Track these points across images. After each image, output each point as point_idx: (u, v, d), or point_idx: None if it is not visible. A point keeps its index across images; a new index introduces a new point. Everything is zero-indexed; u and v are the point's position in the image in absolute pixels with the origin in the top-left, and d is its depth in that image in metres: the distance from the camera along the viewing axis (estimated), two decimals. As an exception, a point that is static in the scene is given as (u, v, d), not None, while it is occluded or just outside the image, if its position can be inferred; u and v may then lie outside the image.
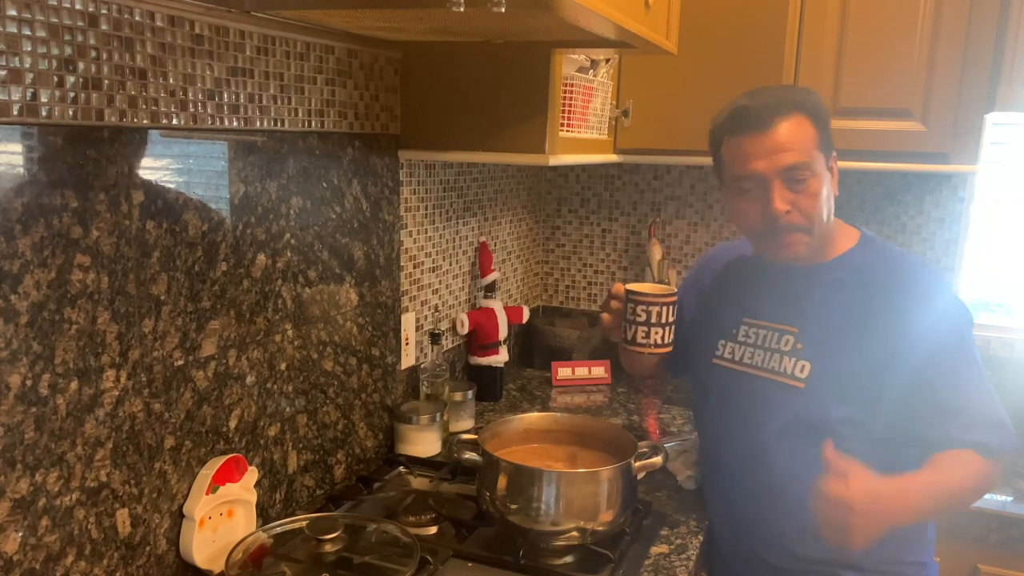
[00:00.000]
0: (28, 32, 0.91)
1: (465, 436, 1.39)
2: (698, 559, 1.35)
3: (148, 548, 1.14)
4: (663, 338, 1.35)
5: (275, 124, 1.31)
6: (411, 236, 1.75)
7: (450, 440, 1.68)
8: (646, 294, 1.34)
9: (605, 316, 1.43)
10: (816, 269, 1.35)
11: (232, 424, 1.27)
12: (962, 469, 1.24)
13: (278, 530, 1.21)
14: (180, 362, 1.16)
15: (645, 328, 1.34)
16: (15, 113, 0.90)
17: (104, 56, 1.00)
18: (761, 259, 1.42)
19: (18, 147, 0.91)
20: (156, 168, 1.10)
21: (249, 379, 1.30)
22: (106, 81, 1.00)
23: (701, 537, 1.40)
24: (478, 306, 2.05)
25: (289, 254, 1.37)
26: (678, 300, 1.35)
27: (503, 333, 2.02)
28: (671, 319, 1.34)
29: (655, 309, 1.33)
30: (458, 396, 1.83)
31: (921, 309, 1.27)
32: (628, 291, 1.36)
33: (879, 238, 1.40)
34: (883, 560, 1.32)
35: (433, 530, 1.36)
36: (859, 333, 1.29)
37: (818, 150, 1.28)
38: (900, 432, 1.28)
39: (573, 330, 2.31)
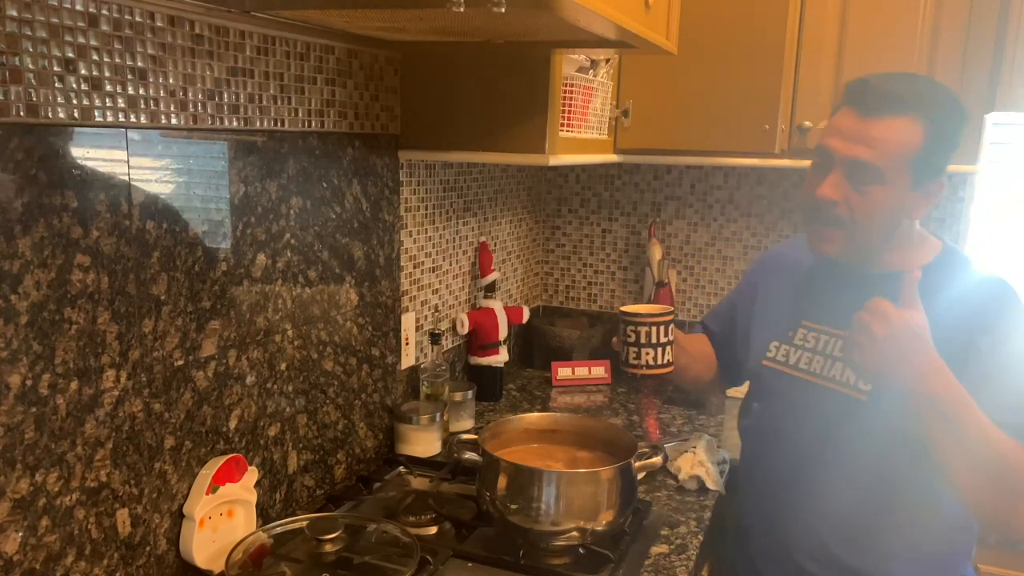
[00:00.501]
0: (28, 32, 0.91)
1: (465, 436, 1.39)
2: (698, 559, 1.35)
3: (148, 548, 1.14)
4: (655, 359, 1.33)
5: (275, 124, 1.31)
6: (411, 236, 1.75)
7: (450, 440, 1.68)
8: (636, 314, 1.33)
9: (614, 339, 1.41)
10: (888, 278, 1.26)
11: (232, 424, 1.27)
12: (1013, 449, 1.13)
13: (278, 530, 1.21)
14: (180, 362, 1.16)
15: (636, 348, 1.34)
16: (15, 113, 0.90)
17: (104, 56, 1.00)
18: (829, 261, 1.35)
19: (18, 147, 0.91)
20: (156, 168, 1.10)
21: (249, 379, 1.30)
22: (106, 81, 1.00)
23: (701, 537, 1.40)
24: (478, 306, 2.05)
25: (289, 254, 1.37)
26: (712, 317, 1.31)
27: (503, 333, 2.02)
28: (664, 339, 1.32)
29: (644, 329, 1.32)
30: (458, 396, 1.83)
31: (991, 329, 1.20)
32: (621, 312, 1.35)
33: (961, 252, 1.33)
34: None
35: (433, 530, 1.36)
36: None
37: (907, 165, 1.18)
38: None
39: (573, 330, 2.31)
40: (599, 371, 2.24)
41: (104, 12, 0.99)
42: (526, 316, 2.22)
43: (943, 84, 1.27)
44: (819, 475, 1.31)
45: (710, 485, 1.57)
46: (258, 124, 1.27)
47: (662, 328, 1.33)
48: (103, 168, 1.01)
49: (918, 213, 1.26)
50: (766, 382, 1.41)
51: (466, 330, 1.97)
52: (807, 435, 1.32)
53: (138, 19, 1.04)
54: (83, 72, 0.97)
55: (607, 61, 1.74)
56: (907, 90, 1.20)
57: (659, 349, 1.33)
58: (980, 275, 1.29)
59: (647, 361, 1.34)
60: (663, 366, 1.34)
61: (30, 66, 0.91)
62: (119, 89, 1.02)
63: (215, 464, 1.21)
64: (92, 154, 1.00)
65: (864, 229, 1.22)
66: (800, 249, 1.47)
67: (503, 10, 0.88)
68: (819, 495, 1.30)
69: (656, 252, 2.31)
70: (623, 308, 1.36)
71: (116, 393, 1.06)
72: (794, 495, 1.34)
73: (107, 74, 1.00)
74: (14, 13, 0.89)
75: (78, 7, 0.96)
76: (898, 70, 1.76)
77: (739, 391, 1.61)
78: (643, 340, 1.33)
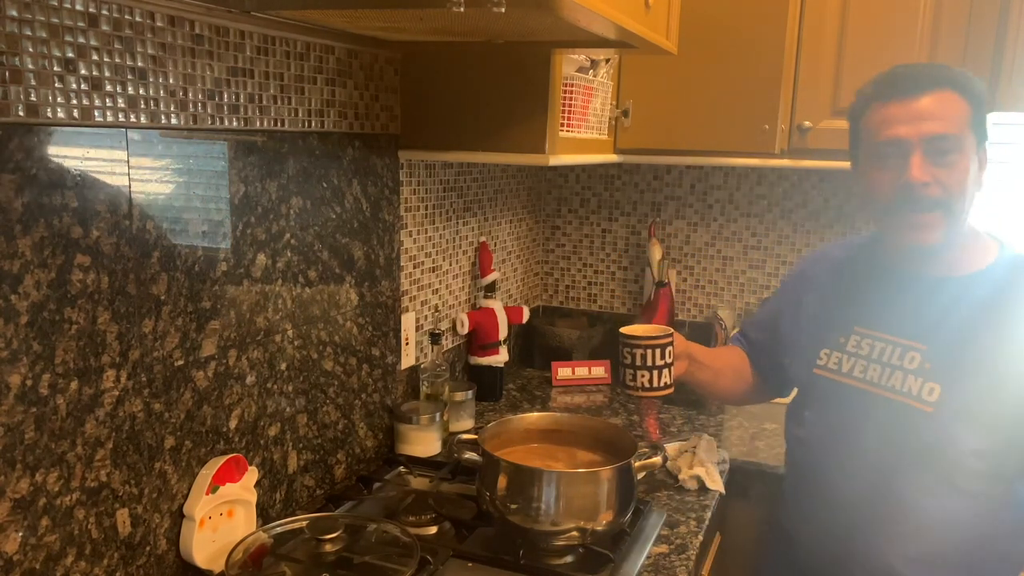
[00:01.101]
0: (28, 32, 0.91)
1: (465, 436, 1.39)
2: (698, 559, 1.35)
3: (148, 548, 1.14)
4: (651, 381, 1.32)
5: (275, 124, 1.31)
6: (411, 236, 1.75)
7: (450, 440, 1.68)
8: (634, 336, 1.32)
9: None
10: (950, 282, 1.25)
11: (232, 424, 1.27)
12: None
13: (278, 530, 1.21)
14: (180, 362, 1.16)
15: (632, 371, 1.33)
16: (15, 113, 0.90)
17: (104, 56, 1.00)
18: (879, 264, 1.33)
19: (18, 147, 0.91)
20: (156, 168, 1.10)
21: (249, 379, 1.30)
22: (106, 81, 1.00)
23: (701, 537, 1.40)
24: (478, 306, 2.05)
25: (289, 254, 1.37)
26: (720, 332, 1.28)
27: (503, 333, 2.02)
28: (660, 362, 1.31)
29: (640, 351, 1.31)
30: (458, 396, 1.83)
31: None
32: (620, 333, 1.34)
33: (1019, 251, 1.29)
34: None
35: (433, 530, 1.36)
36: (995, 357, 1.19)
37: (970, 129, 1.18)
38: None
39: (573, 330, 2.31)
40: (599, 371, 2.24)
41: (104, 12, 0.99)
42: (526, 316, 2.22)
43: None
44: (877, 490, 1.25)
45: (710, 485, 1.57)
46: (258, 124, 1.27)
47: (659, 351, 1.32)
48: (103, 168, 1.01)
49: (983, 181, 1.24)
50: (819, 391, 1.35)
51: (466, 330, 1.97)
52: (866, 448, 1.27)
53: (138, 19, 1.04)
54: (83, 72, 0.97)
55: (607, 61, 1.74)
56: (933, 71, 1.22)
57: (655, 372, 1.33)
58: None
59: (643, 383, 1.33)
60: (660, 388, 1.33)
61: (30, 66, 0.91)
62: (119, 89, 1.02)
63: (215, 464, 1.21)
64: (92, 154, 1.00)
65: (959, 204, 1.19)
66: (847, 251, 1.44)
67: (503, 10, 0.88)
68: (876, 510, 1.26)
69: (656, 252, 2.31)
70: (623, 329, 1.35)
71: (116, 393, 1.06)
72: (857, 512, 1.28)
73: (107, 74, 1.00)
74: (14, 13, 0.89)
75: (78, 7, 0.96)
76: (898, 70, 1.78)
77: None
78: (639, 362, 1.33)
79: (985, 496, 1.19)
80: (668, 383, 1.33)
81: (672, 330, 1.37)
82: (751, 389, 1.56)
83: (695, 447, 1.65)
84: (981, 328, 1.21)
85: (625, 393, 1.37)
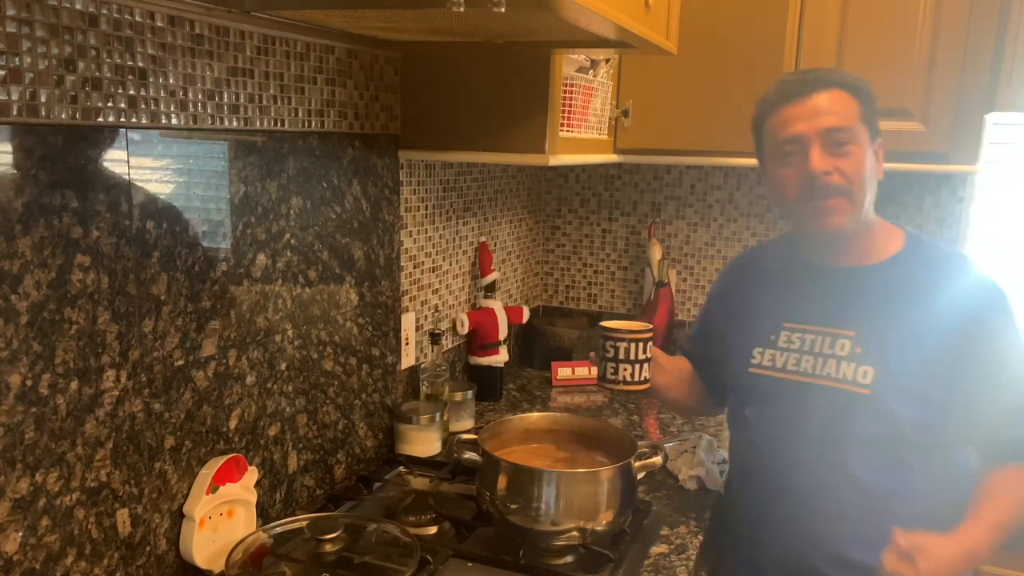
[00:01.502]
0: (28, 32, 0.91)
1: (465, 436, 1.39)
2: (698, 559, 1.35)
3: (148, 548, 1.14)
4: (633, 375, 1.35)
5: (275, 124, 1.31)
6: (411, 236, 1.75)
7: (450, 440, 1.68)
8: (616, 330, 1.34)
9: (592, 354, 1.43)
10: (867, 271, 1.33)
11: (232, 424, 1.27)
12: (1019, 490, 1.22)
13: (278, 530, 1.21)
14: (180, 362, 1.16)
15: (614, 364, 1.35)
16: (15, 113, 0.90)
17: (104, 56, 1.00)
18: (797, 261, 1.40)
19: (18, 147, 0.91)
20: (156, 168, 1.10)
21: (249, 379, 1.30)
22: (106, 81, 1.00)
23: (701, 537, 1.40)
24: (478, 306, 2.05)
25: (289, 254, 1.37)
26: (700, 327, 1.33)
27: (503, 333, 2.02)
28: (642, 356, 1.34)
29: (623, 345, 1.34)
30: (458, 396, 1.83)
31: (974, 307, 1.26)
32: (601, 327, 1.37)
33: (924, 235, 1.38)
34: None
35: (433, 530, 1.36)
36: (918, 335, 1.27)
37: (861, 122, 1.28)
38: (971, 433, 1.28)
39: (573, 330, 2.31)
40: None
41: (104, 12, 0.99)
42: (526, 316, 2.22)
43: None
44: (829, 475, 1.30)
45: (710, 485, 1.57)
46: (258, 124, 1.27)
47: (640, 345, 1.35)
48: (103, 168, 1.01)
49: (880, 172, 1.33)
50: (757, 390, 1.41)
51: (466, 330, 1.97)
52: (812, 436, 1.33)
53: (138, 19, 1.04)
54: (83, 72, 0.97)
55: (607, 61, 1.74)
56: (822, 75, 1.33)
57: (636, 365, 1.35)
58: (950, 252, 1.36)
59: (624, 377, 1.36)
60: (640, 382, 1.36)
61: (30, 66, 0.91)
62: (119, 89, 1.02)
63: (215, 464, 1.21)
64: (92, 154, 1.00)
65: (859, 188, 1.28)
66: (764, 254, 1.53)
67: (503, 10, 0.88)
68: (830, 495, 1.31)
69: (656, 252, 2.31)
70: (603, 323, 1.37)
71: (116, 393, 1.06)
72: (806, 498, 1.33)
73: (107, 74, 1.00)
74: (14, 13, 0.89)
75: (78, 7, 0.96)
76: (898, 70, 1.78)
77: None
78: (621, 356, 1.35)
79: (930, 468, 1.26)
80: (647, 377, 1.37)
81: (651, 326, 1.40)
82: (702, 399, 1.60)
83: (695, 447, 1.65)
84: (903, 310, 1.29)
85: (605, 388, 1.39)
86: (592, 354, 1.43)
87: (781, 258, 1.46)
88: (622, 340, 1.34)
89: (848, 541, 1.30)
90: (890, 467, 1.28)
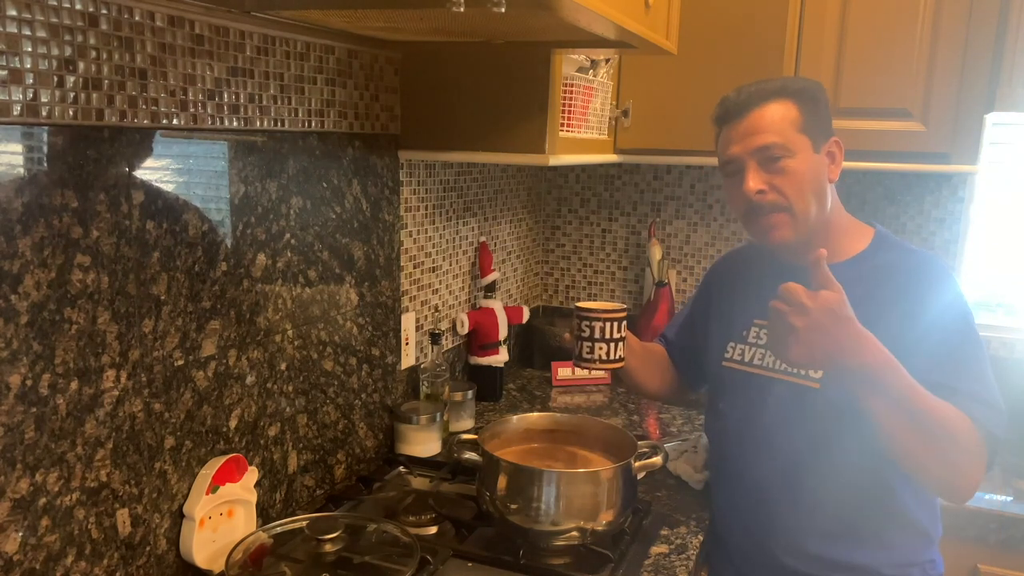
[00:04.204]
0: (28, 32, 0.91)
1: (465, 436, 1.39)
2: (698, 559, 1.35)
3: (148, 548, 1.14)
4: (608, 353, 1.37)
5: (275, 124, 1.31)
6: (411, 236, 1.75)
7: (450, 440, 1.68)
8: (591, 310, 1.37)
9: (566, 335, 1.45)
10: (832, 269, 1.34)
11: (232, 424, 1.27)
12: (957, 418, 1.19)
13: (278, 530, 1.21)
14: (180, 362, 1.16)
15: (590, 343, 1.38)
16: (15, 113, 0.90)
17: (104, 56, 1.00)
18: (769, 260, 1.43)
19: (18, 147, 0.91)
20: (156, 168, 1.10)
21: (249, 379, 1.30)
22: (106, 81, 1.00)
23: (701, 537, 1.40)
24: (478, 306, 2.05)
25: (289, 254, 1.37)
26: (684, 313, 1.36)
27: (503, 333, 2.02)
28: (617, 335, 1.37)
29: (598, 324, 1.36)
30: (458, 396, 1.83)
31: (927, 303, 1.28)
32: (576, 307, 1.39)
33: (893, 236, 1.41)
34: (896, 563, 1.33)
35: (433, 530, 1.36)
36: (874, 331, 1.27)
37: (799, 132, 1.29)
38: None
39: (573, 330, 2.31)
40: (599, 371, 2.24)
41: (104, 12, 0.99)
42: (526, 316, 2.22)
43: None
44: (785, 469, 1.34)
45: (710, 485, 1.57)
46: (258, 124, 1.27)
47: (615, 324, 1.37)
48: (103, 168, 1.01)
49: (834, 175, 1.34)
50: (728, 383, 1.45)
51: (466, 330, 1.97)
52: (772, 430, 1.36)
53: (138, 19, 1.04)
54: (83, 72, 0.97)
55: (607, 61, 1.74)
56: (760, 87, 1.33)
57: (611, 344, 1.37)
58: (913, 251, 1.37)
59: (600, 356, 1.38)
60: (616, 360, 1.38)
61: (30, 66, 0.91)
62: (119, 89, 1.02)
63: (215, 464, 1.21)
64: (92, 154, 1.00)
65: (799, 202, 1.30)
66: (750, 253, 1.56)
67: (503, 10, 0.88)
68: (788, 489, 1.34)
69: (656, 252, 2.31)
70: (579, 304, 1.40)
71: (116, 393, 1.06)
72: (773, 493, 1.36)
73: (107, 74, 1.00)
74: (14, 13, 0.89)
75: (78, 7, 0.96)
76: (898, 70, 1.78)
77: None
78: (597, 335, 1.37)
79: (885, 467, 1.26)
80: (622, 356, 1.39)
81: (625, 306, 1.42)
82: (671, 383, 1.63)
83: (695, 447, 1.65)
84: (860, 307, 1.29)
85: (581, 367, 1.41)
86: (567, 335, 1.45)
87: (760, 257, 1.50)
88: (597, 320, 1.37)
89: (805, 533, 1.33)
90: (842, 464, 1.30)
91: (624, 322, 1.38)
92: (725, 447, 1.47)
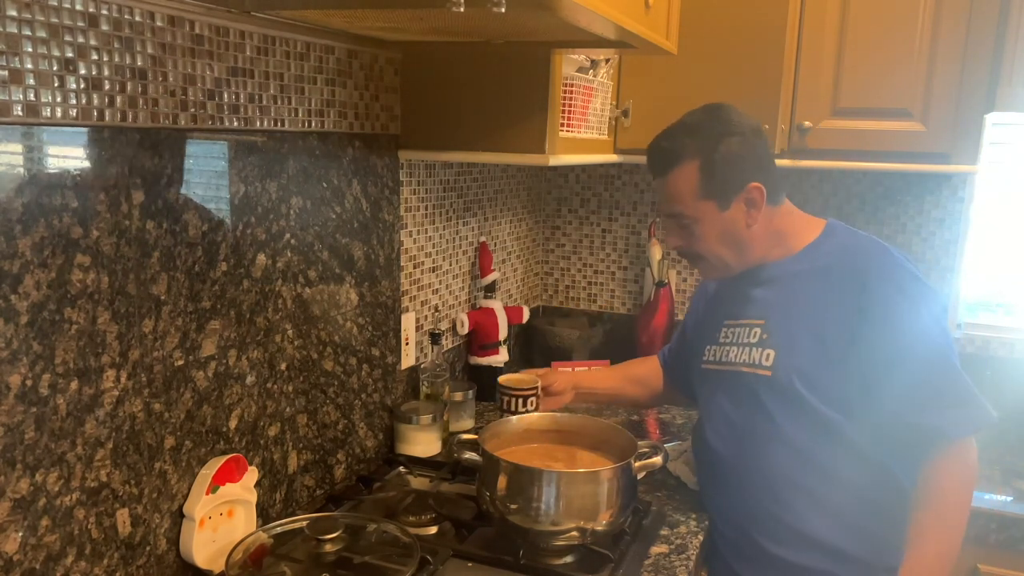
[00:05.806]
0: (28, 32, 0.91)
1: (465, 436, 1.39)
2: (698, 559, 1.35)
3: (148, 548, 1.14)
4: (521, 406, 1.60)
5: (275, 124, 1.31)
6: (411, 236, 1.75)
7: (450, 440, 1.67)
8: (506, 386, 1.60)
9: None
10: (781, 264, 1.42)
11: (232, 424, 1.27)
12: (954, 500, 1.28)
13: (278, 530, 1.21)
14: (180, 362, 1.16)
15: (511, 412, 1.58)
16: (15, 113, 0.90)
17: (104, 56, 1.00)
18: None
19: (18, 147, 0.91)
20: (156, 168, 1.10)
21: (249, 379, 1.30)
22: (106, 81, 1.00)
23: (701, 537, 1.40)
24: (478, 306, 2.05)
25: (289, 254, 1.37)
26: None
27: (503, 333, 2.02)
28: (522, 410, 1.59)
29: (506, 399, 1.60)
30: (458, 396, 1.83)
31: (870, 283, 1.32)
32: (497, 383, 1.61)
33: (845, 226, 1.45)
34: (886, 551, 1.35)
35: (433, 530, 1.36)
36: (818, 316, 1.35)
37: (700, 199, 1.36)
38: (875, 418, 1.31)
39: (573, 330, 2.31)
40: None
41: (104, 12, 0.99)
42: (526, 316, 2.22)
43: (720, 111, 1.40)
44: (755, 460, 1.38)
45: (710, 485, 1.57)
46: (258, 124, 1.27)
47: (521, 400, 1.59)
48: (103, 168, 1.01)
49: (753, 220, 1.39)
50: (706, 382, 1.52)
51: (466, 330, 1.97)
52: (735, 421, 1.42)
53: (138, 19, 1.04)
54: (83, 72, 0.97)
55: (607, 61, 1.74)
56: (672, 142, 1.39)
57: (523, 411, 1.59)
58: (862, 237, 1.42)
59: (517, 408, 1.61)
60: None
61: (30, 66, 0.91)
62: (119, 89, 1.02)
63: (215, 464, 1.21)
64: (92, 154, 1.00)
65: (714, 254, 1.41)
66: None
67: (503, 10, 0.88)
68: (761, 473, 1.38)
69: (656, 252, 2.31)
70: (500, 378, 1.62)
71: (116, 393, 1.06)
72: (744, 479, 1.40)
73: (107, 74, 1.00)
74: (14, 13, 0.89)
75: (78, 7, 0.96)
76: (898, 70, 1.78)
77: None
78: (505, 407, 1.60)
79: (838, 461, 1.32)
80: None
81: (537, 382, 1.61)
82: (660, 394, 1.76)
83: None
84: (804, 293, 1.38)
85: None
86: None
87: None
88: (506, 394, 1.61)
89: (786, 519, 1.36)
90: (797, 455, 1.34)
91: (533, 397, 1.60)
92: (704, 443, 1.50)
